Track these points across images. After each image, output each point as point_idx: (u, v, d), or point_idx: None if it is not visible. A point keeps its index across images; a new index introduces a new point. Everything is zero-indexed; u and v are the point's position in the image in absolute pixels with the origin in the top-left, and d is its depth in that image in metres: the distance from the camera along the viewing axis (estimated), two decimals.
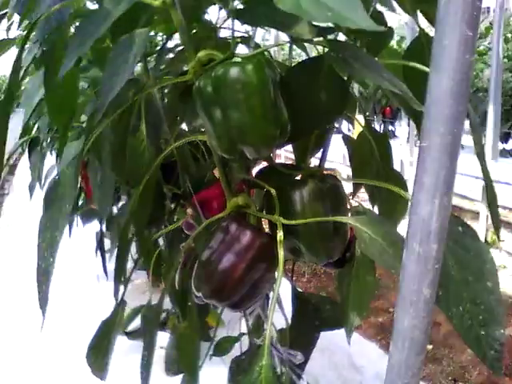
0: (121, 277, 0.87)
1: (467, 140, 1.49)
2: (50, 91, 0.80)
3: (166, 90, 1.14)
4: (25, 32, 0.78)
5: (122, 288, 0.94)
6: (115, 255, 0.88)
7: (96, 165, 0.91)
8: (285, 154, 6.18)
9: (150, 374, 0.97)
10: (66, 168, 0.68)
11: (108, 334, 0.89)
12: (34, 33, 0.83)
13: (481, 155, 0.68)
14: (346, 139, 0.99)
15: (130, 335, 1.98)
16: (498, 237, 0.96)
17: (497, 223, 0.73)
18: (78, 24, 0.63)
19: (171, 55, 1.14)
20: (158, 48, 1.14)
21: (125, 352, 1.71)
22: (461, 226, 0.60)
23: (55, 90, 0.80)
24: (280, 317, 0.97)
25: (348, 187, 0.90)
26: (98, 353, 0.88)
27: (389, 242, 0.61)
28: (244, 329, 1.10)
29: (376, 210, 0.96)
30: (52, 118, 0.87)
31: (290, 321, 0.98)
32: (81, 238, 2.49)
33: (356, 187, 1.05)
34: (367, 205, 1.01)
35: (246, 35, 1.05)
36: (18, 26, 1.04)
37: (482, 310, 0.57)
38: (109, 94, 0.60)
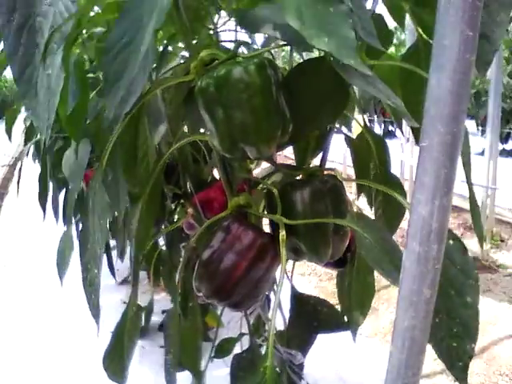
0: (137, 279, 0.87)
1: None
2: (62, 99, 0.80)
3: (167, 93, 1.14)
4: None
5: (126, 289, 0.94)
6: (131, 260, 0.89)
7: (103, 168, 0.91)
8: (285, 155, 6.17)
9: (175, 377, 0.97)
10: (92, 182, 0.70)
11: (121, 337, 0.88)
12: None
13: (467, 165, 0.68)
14: (348, 140, 0.98)
15: None
16: (482, 245, 1.00)
17: (480, 234, 0.75)
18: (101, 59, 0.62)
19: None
20: (160, 50, 1.13)
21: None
22: (452, 239, 0.61)
23: (67, 98, 0.80)
24: (278, 317, 0.97)
25: (348, 187, 0.90)
26: (114, 356, 0.87)
27: (386, 250, 0.62)
28: (244, 329, 1.10)
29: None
30: (64, 125, 0.89)
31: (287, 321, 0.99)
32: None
33: (359, 188, 1.05)
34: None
35: (248, 36, 1.05)
36: None
37: (456, 324, 0.59)
38: (125, 105, 0.60)
